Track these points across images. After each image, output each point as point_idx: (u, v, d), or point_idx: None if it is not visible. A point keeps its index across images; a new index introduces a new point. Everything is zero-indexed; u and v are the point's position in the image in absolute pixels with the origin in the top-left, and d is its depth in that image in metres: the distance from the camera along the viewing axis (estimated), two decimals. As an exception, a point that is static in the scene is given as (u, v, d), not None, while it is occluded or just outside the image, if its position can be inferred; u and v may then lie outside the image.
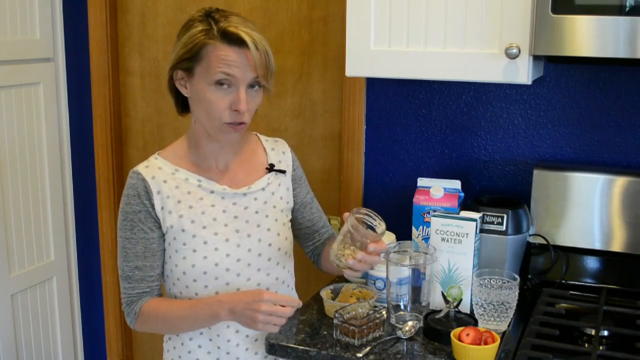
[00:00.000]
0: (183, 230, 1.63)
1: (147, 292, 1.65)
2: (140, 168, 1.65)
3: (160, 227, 1.64)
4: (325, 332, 1.71)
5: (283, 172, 1.77)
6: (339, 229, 1.64)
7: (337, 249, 1.57)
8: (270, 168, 1.75)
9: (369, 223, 1.58)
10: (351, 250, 1.55)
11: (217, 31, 1.54)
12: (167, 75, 1.64)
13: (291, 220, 1.81)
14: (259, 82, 1.59)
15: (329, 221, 2.40)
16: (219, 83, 1.55)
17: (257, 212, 1.70)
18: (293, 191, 1.80)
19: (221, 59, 1.54)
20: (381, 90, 2.22)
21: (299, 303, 1.58)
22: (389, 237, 1.99)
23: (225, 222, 1.66)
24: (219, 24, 1.55)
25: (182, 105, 1.69)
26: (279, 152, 1.81)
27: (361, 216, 1.57)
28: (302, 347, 1.64)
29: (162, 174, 1.64)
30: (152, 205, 1.62)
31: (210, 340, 1.69)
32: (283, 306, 1.56)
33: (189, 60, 1.57)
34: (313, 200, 1.87)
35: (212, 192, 1.66)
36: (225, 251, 1.64)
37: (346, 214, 1.56)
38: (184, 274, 1.65)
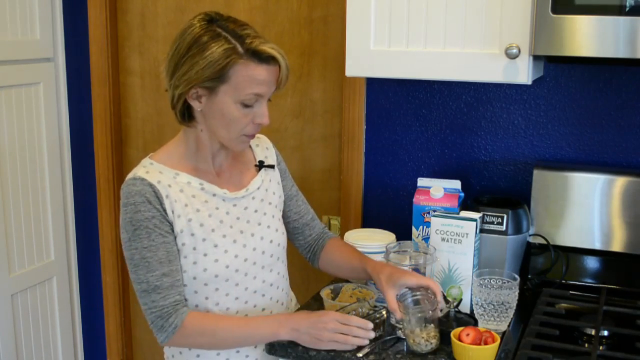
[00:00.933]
0: (192, 234, 1.60)
1: (180, 301, 1.59)
2: (142, 174, 1.59)
3: (173, 231, 1.60)
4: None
5: (272, 167, 1.79)
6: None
7: (419, 340, 1.60)
8: (260, 165, 1.76)
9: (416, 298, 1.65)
10: (426, 330, 1.61)
11: (246, 50, 1.51)
12: (176, 90, 1.57)
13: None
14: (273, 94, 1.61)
15: (329, 221, 2.40)
16: (248, 102, 1.55)
17: (256, 211, 1.71)
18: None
19: (252, 79, 1.53)
20: (381, 90, 2.22)
21: (366, 324, 1.57)
22: (389, 237, 1.99)
23: (230, 224, 1.66)
24: (243, 40, 1.51)
25: (185, 114, 1.63)
26: (264, 147, 1.81)
27: (413, 305, 1.63)
28: (302, 347, 1.64)
29: (165, 179, 1.61)
30: (164, 210, 1.58)
31: None
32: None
33: (214, 80, 1.53)
34: (298, 193, 1.88)
35: (214, 195, 1.65)
36: (233, 252, 1.64)
37: (399, 314, 1.62)
38: (194, 279, 1.62)
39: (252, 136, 1.63)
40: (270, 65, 1.54)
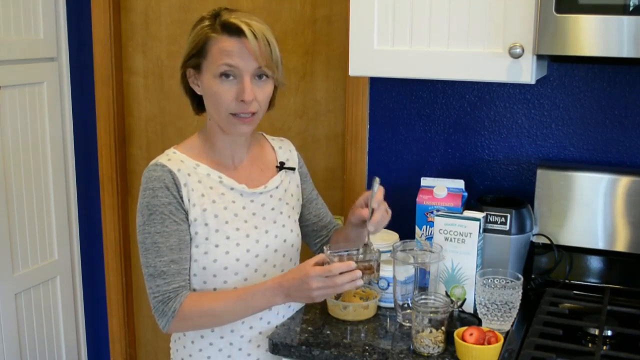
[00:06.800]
0: (206, 224, 1.62)
1: (183, 287, 1.61)
2: (163, 160, 1.63)
3: (187, 220, 1.62)
4: (328, 332, 1.71)
5: (293, 169, 1.81)
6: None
7: (427, 342, 1.59)
8: (281, 166, 1.78)
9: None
10: (434, 334, 1.59)
11: (219, 24, 1.57)
12: (179, 75, 1.66)
13: (299, 218, 1.83)
14: (265, 73, 1.60)
15: (332, 220, 2.40)
16: (224, 74, 1.57)
17: (273, 209, 1.72)
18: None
19: (222, 50, 1.56)
20: (384, 90, 2.22)
21: (348, 265, 1.52)
22: (392, 237, 1.99)
23: (245, 219, 1.67)
24: (221, 17, 1.58)
25: (198, 104, 1.71)
26: (286, 150, 1.83)
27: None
28: (305, 347, 1.64)
29: (185, 167, 1.63)
30: (181, 197, 1.61)
31: (222, 338, 1.69)
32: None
33: (195, 56, 1.59)
34: (318, 196, 1.90)
35: (232, 188, 1.67)
36: (245, 247, 1.65)
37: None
38: (203, 269, 1.64)
39: (244, 119, 1.60)
40: (241, 38, 1.56)
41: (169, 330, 1.62)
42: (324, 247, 1.62)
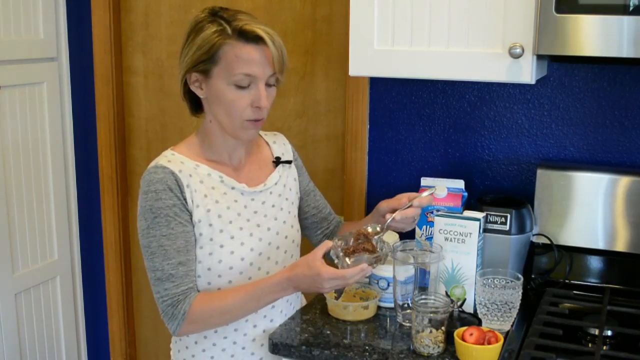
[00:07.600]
0: (210, 225, 1.62)
1: (192, 288, 1.60)
2: (163, 162, 1.61)
3: (192, 220, 1.61)
4: (328, 332, 1.71)
5: (289, 162, 1.81)
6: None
7: (427, 342, 1.59)
8: (277, 161, 1.78)
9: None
10: (433, 334, 1.59)
11: (233, 30, 1.55)
12: (179, 78, 1.63)
13: (298, 212, 1.84)
14: (277, 78, 1.61)
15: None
16: (240, 83, 1.56)
17: (273, 206, 1.73)
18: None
19: (240, 59, 1.55)
20: (384, 90, 2.22)
21: (362, 270, 1.53)
22: (393, 237, 1.99)
23: (248, 217, 1.67)
24: (231, 23, 1.56)
25: (196, 106, 1.69)
26: (281, 144, 1.84)
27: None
28: (305, 347, 1.64)
29: (186, 169, 1.62)
30: (185, 199, 1.59)
31: (225, 338, 1.69)
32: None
33: (205, 62, 1.57)
34: (315, 188, 1.91)
35: (233, 188, 1.67)
36: (249, 245, 1.66)
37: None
38: (208, 270, 1.63)
39: (256, 123, 1.62)
40: (259, 45, 1.56)
41: (180, 333, 1.61)
42: (335, 239, 1.61)
